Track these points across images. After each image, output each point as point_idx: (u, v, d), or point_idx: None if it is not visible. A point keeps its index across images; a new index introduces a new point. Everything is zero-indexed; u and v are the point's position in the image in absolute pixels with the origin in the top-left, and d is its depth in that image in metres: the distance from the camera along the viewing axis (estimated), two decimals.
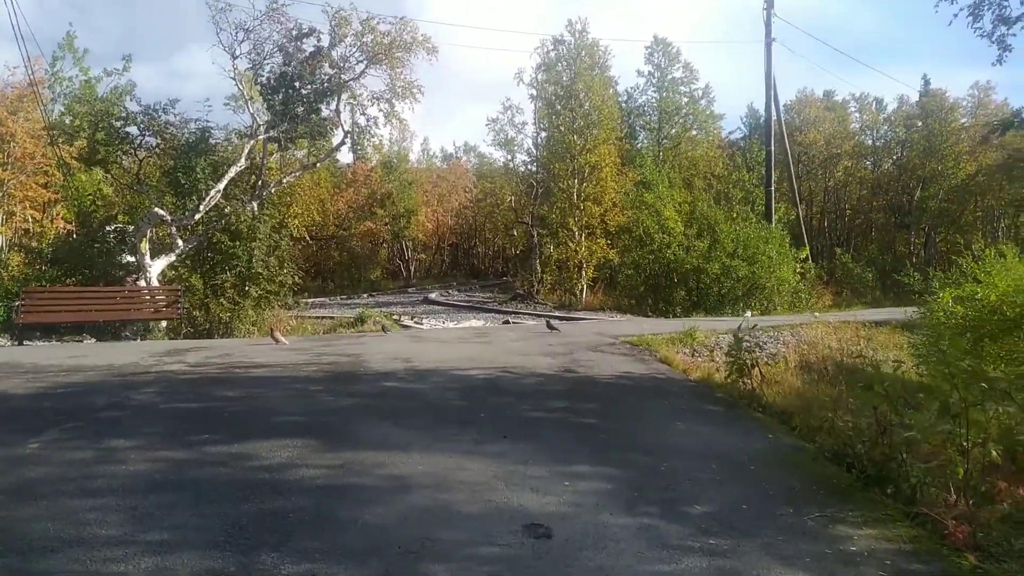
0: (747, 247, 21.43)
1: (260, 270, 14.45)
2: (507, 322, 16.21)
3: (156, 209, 13.25)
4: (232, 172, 14.09)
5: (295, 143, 16.06)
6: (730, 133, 40.44)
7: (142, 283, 13.42)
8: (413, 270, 42.33)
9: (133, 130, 13.78)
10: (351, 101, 16.11)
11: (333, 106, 15.93)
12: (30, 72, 16.96)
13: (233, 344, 10.96)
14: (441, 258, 52.43)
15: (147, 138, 14.15)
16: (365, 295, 31.65)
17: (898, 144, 37.69)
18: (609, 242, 25.65)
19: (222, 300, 13.89)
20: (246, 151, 14.46)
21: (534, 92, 31.35)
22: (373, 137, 17.23)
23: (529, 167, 34.52)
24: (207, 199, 13.63)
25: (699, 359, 9.68)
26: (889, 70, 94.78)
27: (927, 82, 39.48)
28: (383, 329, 12.10)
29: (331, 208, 38.23)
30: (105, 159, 14.04)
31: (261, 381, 7.26)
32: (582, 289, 25.19)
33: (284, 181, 16.54)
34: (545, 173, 31.15)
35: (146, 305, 12.45)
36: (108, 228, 14.58)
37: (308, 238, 25.20)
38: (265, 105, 15.92)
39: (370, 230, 37.71)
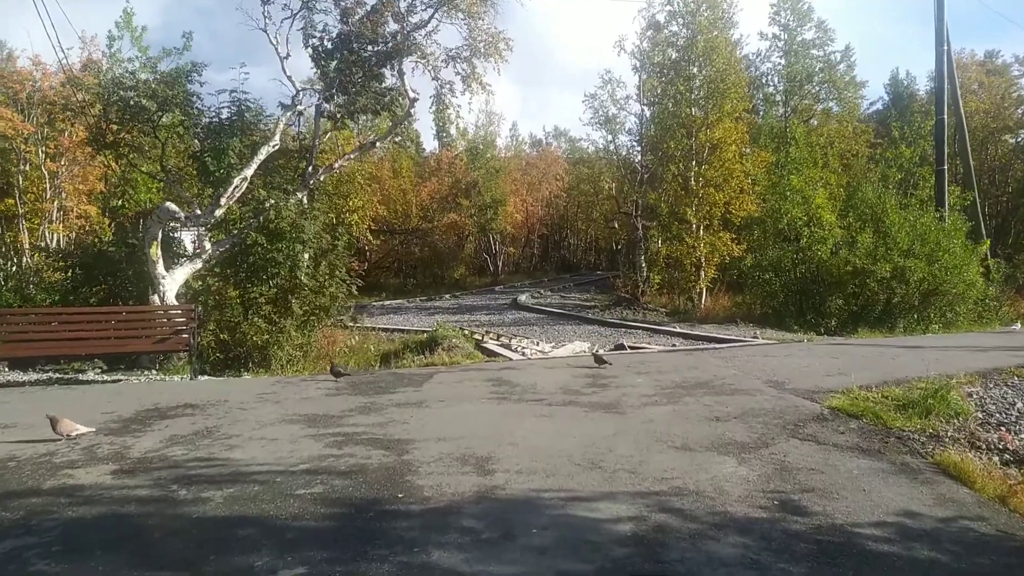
0: (925, 242, 16.68)
1: (305, 280, 11.28)
2: (622, 346, 12.39)
3: (167, 204, 10.19)
4: (263, 153, 10.91)
5: (354, 118, 12.71)
6: (871, 104, 34.67)
7: (156, 299, 10.49)
8: (501, 265, 39.03)
9: (150, 104, 10.75)
10: (420, 62, 12.64)
11: (399, 69, 12.52)
12: (61, 54, 14.35)
13: (247, 392, 7.71)
14: (530, 251, 49.03)
15: (167, 114, 11.13)
16: (447, 295, 28.53)
17: None
18: (734, 236, 21.24)
19: (256, 319, 10.78)
20: (281, 126, 11.26)
21: (637, 63, 27.29)
22: (448, 108, 13.68)
23: (632, 149, 30.46)
24: (230, 189, 10.52)
25: (989, 455, 5.56)
26: None
27: None
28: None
29: (414, 199, 35.34)
30: (116, 141, 11.13)
31: (202, 529, 3.81)
32: (700, 293, 20.97)
33: (337, 166, 13.27)
34: (652, 155, 27.00)
35: (154, 330, 9.41)
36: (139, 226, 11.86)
37: (369, 237, 22.28)
38: (318, 72, 12.70)
39: (454, 223, 34.60)
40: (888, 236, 16.59)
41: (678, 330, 14.82)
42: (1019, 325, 15.54)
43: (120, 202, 12.89)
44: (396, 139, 35.34)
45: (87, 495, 4.36)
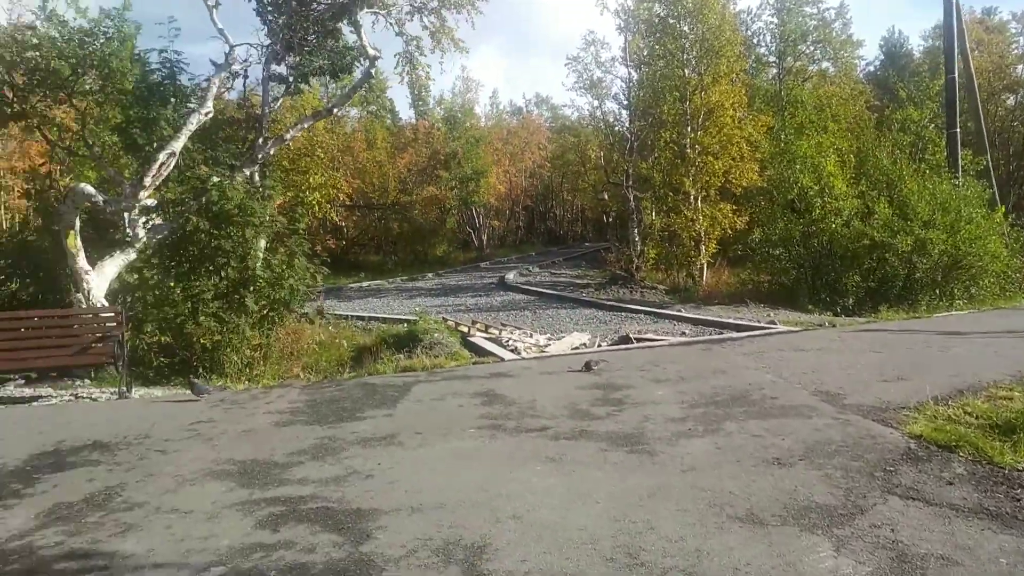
0: (946, 212, 15.34)
1: (260, 271, 9.72)
2: (627, 339, 10.93)
3: (81, 186, 8.59)
4: (193, 123, 9.24)
5: (308, 81, 11.02)
6: (867, 65, 33.17)
7: (80, 299, 8.86)
8: (485, 239, 37.37)
9: (62, 66, 8.96)
10: (381, 13, 10.95)
11: (355, 21, 10.82)
12: None
13: (177, 421, 6.19)
14: (516, 223, 47.41)
15: (85, 78, 9.35)
16: (430, 274, 26.96)
17: None
18: (735, 208, 19.81)
19: (203, 318, 9.20)
20: (214, 90, 9.58)
21: (622, 22, 25.48)
22: (417, 67, 12.01)
23: (620, 115, 28.76)
24: (155, 167, 8.86)
25: None
26: None
27: None
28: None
29: (391, 171, 33.46)
30: (24, 111, 9.35)
31: None
32: (701, 269, 19.57)
33: (289, 136, 11.56)
34: (643, 121, 25.40)
35: (73, 339, 7.82)
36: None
37: (333, 216, 20.56)
38: (265, 29, 10.97)
39: (434, 196, 32.81)
40: (906, 206, 15.23)
41: (685, 314, 13.40)
42: None
43: (45, 182, 11.01)
44: (369, 108, 33.38)
45: None
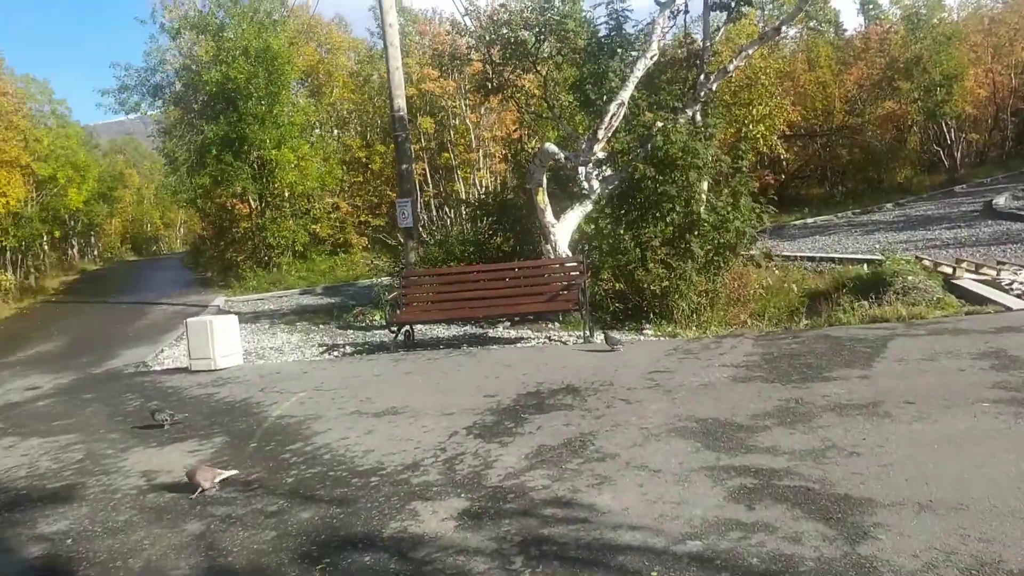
0: None
1: (704, 215, 9.47)
2: None
3: (547, 145, 9.34)
4: (639, 69, 9.16)
5: (750, 2, 10.12)
6: None
7: (548, 249, 9.86)
8: (959, 158, 30.90)
9: (528, 36, 9.91)
10: None
11: None
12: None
13: (636, 370, 6.37)
14: (1001, 134, 38.10)
15: (545, 44, 10.18)
16: (889, 204, 23.48)
17: None
18: None
19: (652, 264, 9.40)
20: (658, 30, 9.32)
21: None
22: None
23: None
24: (606, 119, 9.10)
25: None
26: None
27: None
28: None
29: (836, 92, 29.87)
30: (502, 84, 10.64)
31: None
32: None
33: (732, 67, 10.71)
34: None
35: (544, 286, 8.73)
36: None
37: (780, 149, 18.94)
38: None
39: (891, 113, 28.24)
40: None
41: None
42: None
43: (517, 145, 12.59)
44: (809, 24, 30.16)
45: (417, 561, 3.38)
